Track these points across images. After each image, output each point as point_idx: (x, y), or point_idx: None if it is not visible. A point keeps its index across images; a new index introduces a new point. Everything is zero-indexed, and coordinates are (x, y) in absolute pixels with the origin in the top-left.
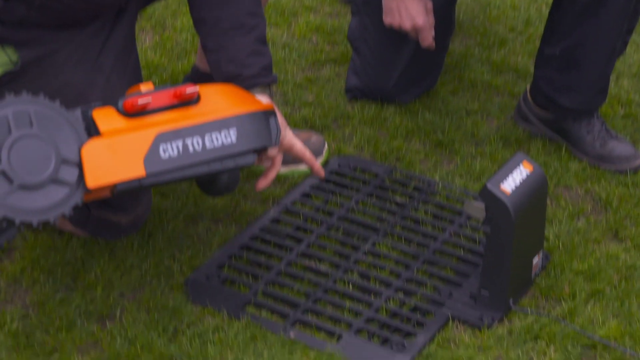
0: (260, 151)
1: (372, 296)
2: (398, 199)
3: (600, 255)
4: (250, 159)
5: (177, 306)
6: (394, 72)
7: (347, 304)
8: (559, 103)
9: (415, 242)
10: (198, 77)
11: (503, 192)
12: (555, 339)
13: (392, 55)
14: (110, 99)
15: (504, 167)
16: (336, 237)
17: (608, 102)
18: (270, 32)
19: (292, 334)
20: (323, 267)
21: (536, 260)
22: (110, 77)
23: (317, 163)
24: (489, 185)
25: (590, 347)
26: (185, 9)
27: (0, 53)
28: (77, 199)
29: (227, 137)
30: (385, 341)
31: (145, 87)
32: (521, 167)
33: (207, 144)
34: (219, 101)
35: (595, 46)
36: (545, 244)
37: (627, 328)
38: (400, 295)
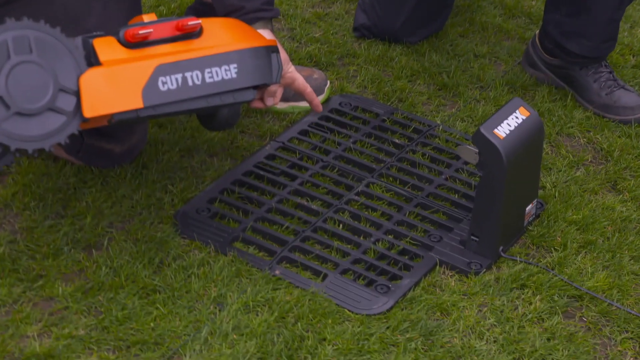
0: (261, 86)
1: (362, 237)
2: (397, 140)
3: (595, 206)
4: (250, 94)
5: (165, 238)
6: (403, 11)
7: (336, 244)
8: (567, 49)
9: (410, 185)
10: (202, 7)
11: (496, 137)
12: (542, 289)
13: None
14: (106, 26)
15: (499, 112)
16: (330, 177)
17: (619, 51)
18: None
19: (277, 272)
20: (315, 206)
21: (529, 208)
22: (108, 4)
23: (317, 99)
24: (482, 129)
25: (577, 298)
26: None
27: None
28: (74, 128)
29: (228, 72)
30: (370, 283)
31: (148, 17)
32: (517, 112)
33: (207, 78)
34: (222, 35)
35: None
36: (541, 192)
37: (615, 280)
38: (390, 237)
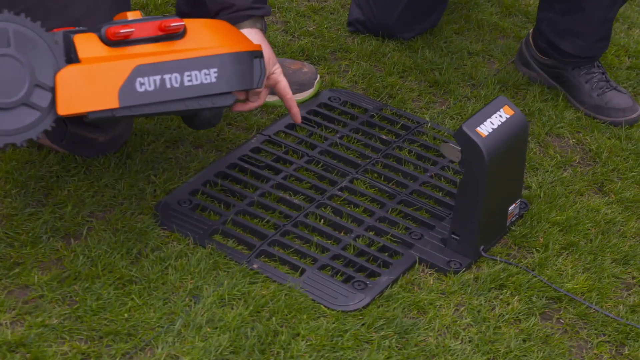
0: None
1: (342, 233)
2: (384, 136)
3: (580, 208)
4: (229, 100)
5: (145, 229)
6: (397, 6)
7: (316, 239)
8: (560, 48)
9: (395, 182)
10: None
11: (478, 135)
12: (520, 289)
13: None
14: (93, 15)
15: (483, 110)
16: (315, 171)
17: (615, 52)
18: None
19: (255, 265)
20: (297, 200)
21: (512, 208)
22: None
23: (297, 107)
24: (465, 127)
25: (555, 299)
26: None
27: None
28: (47, 124)
29: (207, 77)
30: (348, 279)
31: (132, 15)
32: (501, 111)
33: (186, 81)
34: (205, 38)
35: None
36: (526, 192)
37: (595, 283)
38: (371, 234)
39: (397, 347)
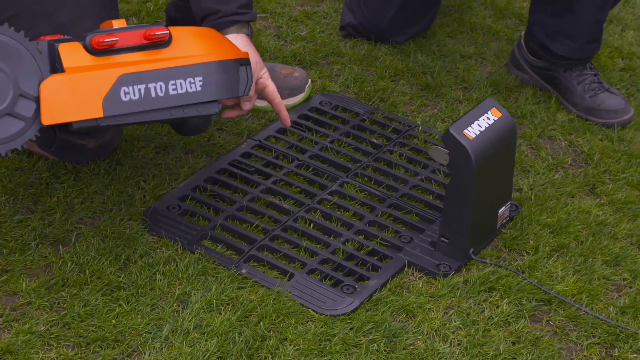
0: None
1: (332, 237)
2: (375, 140)
3: (571, 210)
4: (215, 108)
5: (133, 235)
6: (389, 10)
7: (305, 243)
8: (552, 50)
9: (385, 185)
10: (182, 2)
11: (466, 137)
12: (510, 292)
13: None
14: (79, 21)
15: (470, 112)
16: (305, 176)
17: (608, 54)
18: None
19: (244, 270)
20: (286, 205)
21: (503, 210)
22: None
23: (285, 111)
24: (452, 130)
25: (545, 302)
26: None
27: None
28: (32, 134)
29: (192, 85)
30: (336, 283)
31: (117, 23)
32: (489, 113)
33: (171, 90)
34: (190, 46)
35: None
36: (517, 194)
37: (586, 285)
38: (361, 238)
39: (385, 350)
